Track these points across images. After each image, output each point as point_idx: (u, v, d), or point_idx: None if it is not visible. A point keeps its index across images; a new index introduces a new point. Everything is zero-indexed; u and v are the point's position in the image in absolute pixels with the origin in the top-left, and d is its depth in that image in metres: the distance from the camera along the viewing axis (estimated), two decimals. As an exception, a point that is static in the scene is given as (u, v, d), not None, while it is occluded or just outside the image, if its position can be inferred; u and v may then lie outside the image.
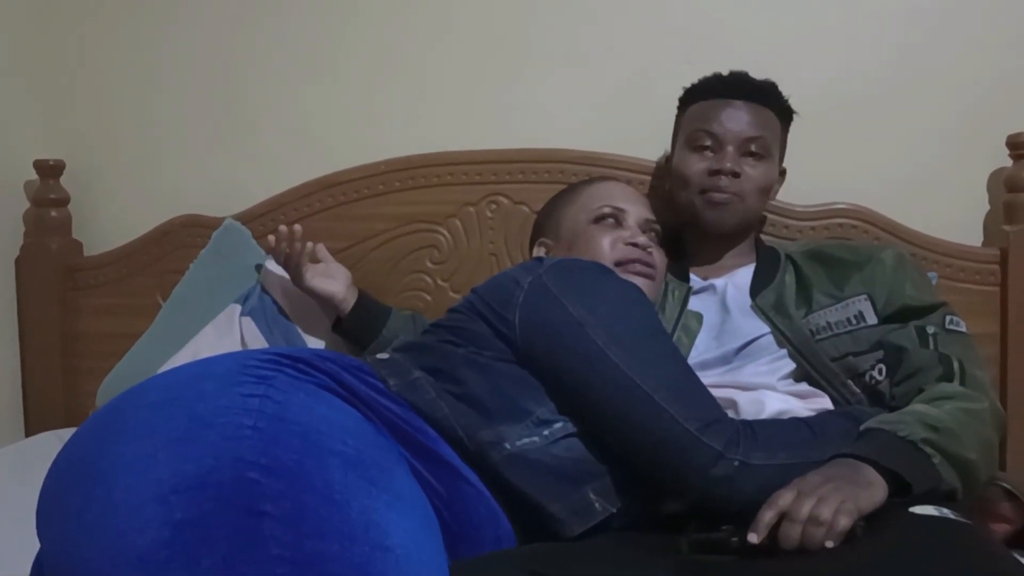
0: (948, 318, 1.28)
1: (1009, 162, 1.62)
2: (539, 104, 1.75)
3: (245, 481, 0.76)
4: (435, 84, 1.78)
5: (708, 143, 1.40)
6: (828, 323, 1.30)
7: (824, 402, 1.26)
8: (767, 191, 1.44)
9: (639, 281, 1.26)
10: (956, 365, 1.21)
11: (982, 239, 1.67)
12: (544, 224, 1.42)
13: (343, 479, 0.80)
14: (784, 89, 1.46)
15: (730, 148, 1.39)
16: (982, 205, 1.68)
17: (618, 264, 1.29)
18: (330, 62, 1.80)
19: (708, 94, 1.44)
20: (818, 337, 1.29)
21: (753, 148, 1.39)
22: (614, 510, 1.04)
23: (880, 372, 1.26)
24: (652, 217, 1.38)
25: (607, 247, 1.30)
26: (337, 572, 0.75)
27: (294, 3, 1.80)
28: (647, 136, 1.63)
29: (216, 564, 0.73)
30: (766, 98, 1.41)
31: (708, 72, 1.47)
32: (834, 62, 1.68)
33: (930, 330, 1.26)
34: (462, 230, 1.71)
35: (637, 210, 1.36)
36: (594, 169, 1.67)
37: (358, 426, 0.90)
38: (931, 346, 1.24)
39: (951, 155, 1.67)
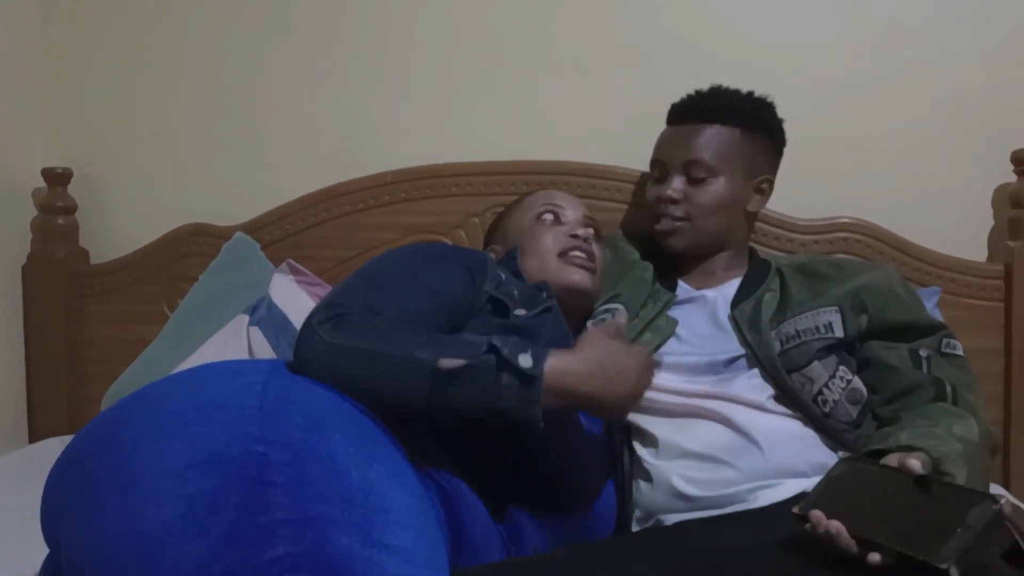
0: (945, 341, 1.28)
1: (1014, 177, 1.63)
2: (544, 116, 1.76)
3: (253, 454, 0.81)
4: (440, 95, 1.78)
5: (657, 172, 1.45)
6: (797, 331, 1.29)
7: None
8: (727, 207, 1.40)
9: (580, 274, 1.33)
10: (949, 389, 1.21)
11: (986, 254, 1.68)
12: (493, 234, 1.50)
13: (344, 451, 0.85)
14: (787, 102, 1.45)
15: (675, 175, 1.41)
16: (986, 220, 1.68)
17: (560, 255, 1.34)
18: (336, 72, 1.81)
19: (667, 121, 1.47)
20: (786, 346, 1.27)
21: (693, 172, 1.39)
22: None
23: (835, 391, 1.24)
24: (589, 215, 1.44)
25: (550, 240, 1.36)
26: (337, 531, 0.79)
27: (300, 14, 1.81)
28: (651, 149, 1.64)
29: (224, 531, 0.77)
30: (716, 116, 1.40)
31: (714, 84, 1.46)
32: (838, 76, 1.69)
33: (923, 353, 1.26)
34: (467, 241, 1.72)
35: (575, 208, 1.42)
36: (597, 181, 1.68)
37: (356, 412, 0.94)
38: (924, 369, 1.24)
39: (955, 170, 1.68)
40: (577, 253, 1.35)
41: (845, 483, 0.95)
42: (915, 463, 0.96)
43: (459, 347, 0.99)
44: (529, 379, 0.97)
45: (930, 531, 0.83)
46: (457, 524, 1.00)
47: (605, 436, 1.27)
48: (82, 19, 1.87)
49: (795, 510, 0.95)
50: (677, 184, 1.40)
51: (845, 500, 0.92)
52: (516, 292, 1.21)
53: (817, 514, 0.90)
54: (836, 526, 0.89)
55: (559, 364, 1.00)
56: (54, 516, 0.89)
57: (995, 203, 1.67)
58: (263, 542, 0.77)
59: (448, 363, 0.97)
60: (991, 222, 1.68)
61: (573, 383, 1.00)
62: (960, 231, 1.67)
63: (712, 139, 1.39)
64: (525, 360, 0.97)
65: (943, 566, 0.79)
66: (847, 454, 0.99)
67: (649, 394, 1.28)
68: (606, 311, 1.41)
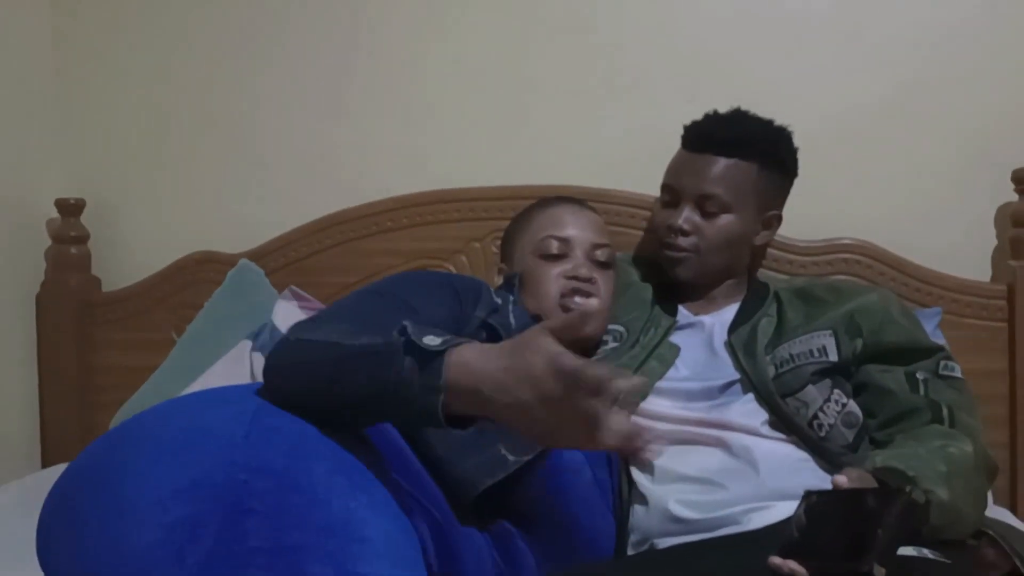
0: (943, 363, 1.28)
1: (1015, 196, 1.62)
2: (544, 141, 1.78)
3: (234, 482, 0.82)
4: (443, 122, 1.81)
5: (668, 198, 1.42)
6: (791, 355, 1.28)
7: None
8: (735, 243, 1.40)
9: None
10: (945, 412, 1.20)
11: (990, 274, 1.67)
12: (504, 250, 1.48)
13: (327, 480, 0.85)
14: (786, 123, 1.44)
15: (686, 205, 1.38)
16: (989, 240, 1.67)
17: (561, 296, 1.33)
18: (341, 100, 1.84)
19: (683, 143, 1.43)
20: (781, 370, 1.27)
21: (706, 206, 1.37)
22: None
23: (830, 415, 1.23)
24: (600, 240, 1.40)
25: (548, 282, 1.34)
26: (311, 560, 0.80)
27: (306, 42, 1.84)
28: (650, 172, 1.64)
29: (200, 560, 0.78)
30: (735, 149, 1.37)
31: (711, 108, 1.46)
32: (837, 97, 1.69)
33: (920, 376, 1.25)
34: (468, 266, 1.73)
35: (583, 235, 1.38)
36: (598, 205, 1.68)
37: (345, 440, 0.93)
38: (921, 392, 1.24)
39: (956, 189, 1.67)
40: (577, 300, 1.33)
41: (807, 518, 0.97)
42: (840, 479, 1.00)
43: (384, 332, 0.88)
44: (429, 357, 0.82)
45: (858, 540, 0.89)
46: (450, 555, 0.99)
47: (607, 470, 1.26)
48: (93, 52, 1.91)
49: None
50: (688, 215, 1.38)
51: (806, 535, 0.95)
52: (513, 321, 1.21)
53: (775, 560, 0.92)
54: (790, 567, 0.91)
55: (463, 355, 0.82)
56: (47, 543, 0.90)
57: (997, 222, 1.66)
58: (236, 571, 0.78)
59: (354, 342, 0.88)
60: (993, 242, 1.67)
61: (464, 376, 0.81)
62: (962, 251, 1.66)
63: (729, 173, 1.37)
64: (431, 340, 0.83)
65: (865, 569, 0.86)
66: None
67: (644, 421, 1.28)
68: (606, 332, 1.41)
